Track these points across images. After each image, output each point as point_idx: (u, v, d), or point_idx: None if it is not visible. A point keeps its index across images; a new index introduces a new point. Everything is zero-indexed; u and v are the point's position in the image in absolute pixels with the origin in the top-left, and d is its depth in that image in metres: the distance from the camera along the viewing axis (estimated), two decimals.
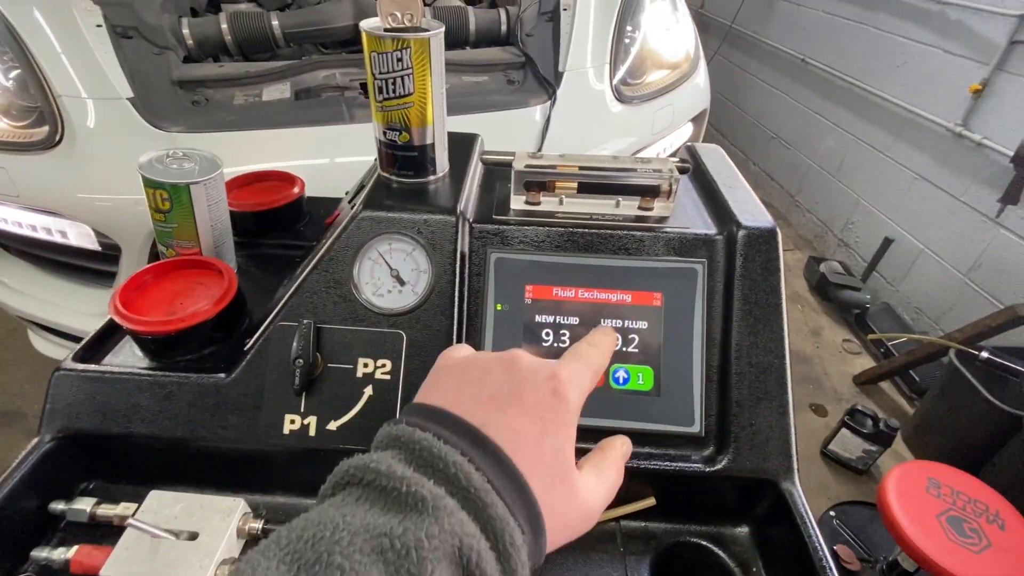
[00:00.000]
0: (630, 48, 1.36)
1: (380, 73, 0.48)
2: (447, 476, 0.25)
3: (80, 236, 1.08)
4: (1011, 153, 1.65)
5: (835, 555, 1.42)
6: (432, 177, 0.55)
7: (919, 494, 1.20)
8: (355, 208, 0.50)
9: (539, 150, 1.15)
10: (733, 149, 3.47)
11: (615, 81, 1.31)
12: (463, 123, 1.17)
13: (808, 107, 2.71)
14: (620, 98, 1.30)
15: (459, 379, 0.31)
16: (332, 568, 0.20)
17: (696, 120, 1.52)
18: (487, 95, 1.22)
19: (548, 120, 1.19)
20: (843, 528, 1.50)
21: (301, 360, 0.47)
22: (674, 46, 1.47)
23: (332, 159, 1.07)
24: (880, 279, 2.28)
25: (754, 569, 0.48)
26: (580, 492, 0.30)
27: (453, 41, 1.39)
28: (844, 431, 1.63)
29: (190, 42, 1.24)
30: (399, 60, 0.47)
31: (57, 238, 1.10)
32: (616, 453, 0.34)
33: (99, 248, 1.09)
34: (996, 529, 1.14)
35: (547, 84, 1.24)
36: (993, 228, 1.79)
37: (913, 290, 2.13)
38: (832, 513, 1.53)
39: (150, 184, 0.53)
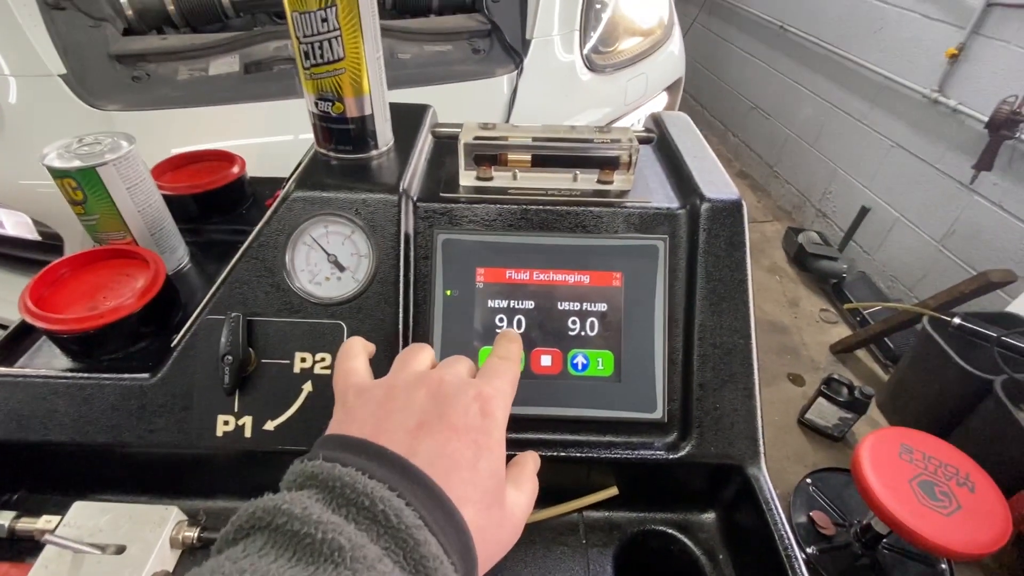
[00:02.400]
0: (601, 14, 1.31)
1: (305, 36, 0.43)
2: (373, 515, 0.22)
3: (18, 226, 1.02)
4: (985, 119, 1.64)
5: (811, 520, 1.45)
6: (374, 152, 0.50)
7: (892, 460, 1.22)
8: (286, 188, 0.46)
9: (506, 122, 1.10)
10: (713, 120, 3.43)
11: (586, 49, 1.25)
12: (425, 95, 1.11)
13: (787, 76, 2.67)
14: (591, 67, 1.25)
15: (380, 407, 0.29)
16: None
17: (671, 89, 1.48)
18: (451, 65, 1.16)
19: (515, 91, 1.13)
20: (819, 494, 1.53)
21: (230, 356, 0.43)
22: (647, 12, 1.42)
23: (286, 136, 1.00)
24: (857, 248, 2.29)
25: (720, 556, 0.46)
26: (508, 508, 0.29)
27: (415, 8, 1.31)
28: (820, 400, 1.65)
29: (129, 13, 1.15)
30: (324, 21, 0.42)
31: None
32: (530, 467, 0.34)
33: (39, 238, 1.02)
34: (966, 492, 1.17)
35: (514, 53, 1.18)
36: (967, 195, 1.80)
37: (888, 258, 2.15)
38: (809, 481, 1.55)
39: (56, 174, 0.48)
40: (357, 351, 0.35)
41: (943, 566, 1.37)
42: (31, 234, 1.02)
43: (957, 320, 1.53)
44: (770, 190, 2.91)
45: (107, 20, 1.11)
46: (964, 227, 1.82)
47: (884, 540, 1.33)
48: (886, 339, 1.90)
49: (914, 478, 1.19)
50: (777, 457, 1.66)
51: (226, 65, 1.08)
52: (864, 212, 2.21)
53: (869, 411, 1.66)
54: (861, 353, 2.00)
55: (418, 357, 0.34)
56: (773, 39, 2.72)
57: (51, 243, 1.02)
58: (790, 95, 2.65)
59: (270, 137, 1.05)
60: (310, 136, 0.50)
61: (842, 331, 2.09)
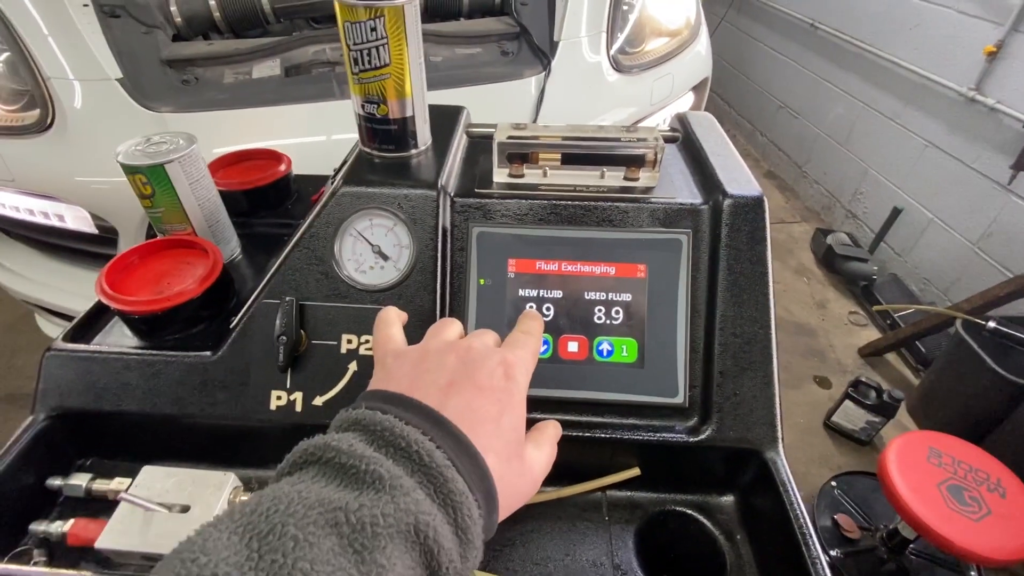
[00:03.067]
0: (628, 15, 1.32)
1: (355, 44, 0.47)
2: (408, 455, 0.26)
3: (77, 220, 1.09)
4: None
5: (836, 524, 1.44)
6: (414, 151, 0.54)
7: (920, 464, 1.20)
8: (335, 184, 0.50)
9: (534, 122, 1.13)
10: (740, 120, 3.39)
11: (613, 50, 1.27)
12: (456, 96, 1.16)
13: (817, 74, 2.63)
14: (617, 67, 1.27)
15: (414, 368, 0.33)
16: (286, 539, 0.21)
17: (697, 89, 1.48)
18: (480, 67, 1.19)
19: (543, 92, 1.16)
20: (844, 498, 1.51)
21: (285, 337, 0.47)
22: (674, 12, 1.43)
23: (323, 136, 1.05)
24: (888, 250, 2.25)
25: (738, 537, 0.48)
26: (528, 462, 0.32)
27: (446, 12, 1.35)
28: (847, 403, 1.63)
29: (178, 20, 1.22)
30: (373, 30, 0.45)
31: (54, 222, 1.10)
32: (550, 432, 0.37)
33: (96, 231, 1.09)
34: (997, 497, 1.14)
35: (542, 55, 1.21)
36: (1004, 195, 1.75)
37: (921, 260, 2.10)
38: (834, 483, 1.54)
39: (129, 171, 0.53)
40: (393, 319, 0.39)
41: (972, 573, 1.34)
42: (89, 227, 1.09)
43: (992, 324, 1.50)
44: (799, 190, 2.87)
45: (158, 27, 1.18)
46: (1001, 229, 1.77)
47: (911, 545, 1.32)
48: (917, 343, 1.87)
49: (943, 482, 1.17)
50: (802, 459, 1.64)
51: (268, 69, 1.14)
52: (896, 213, 2.17)
53: (899, 415, 1.63)
54: (891, 357, 1.97)
55: (449, 328, 0.38)
56: (804, 37, 2.68)
57: (107, 236, 1.10)
58: (820, 94, 2.61)
59: (308, 137, 1.10)
60: (344, 136, 0.54)
61: (871, 334, 2.05)
